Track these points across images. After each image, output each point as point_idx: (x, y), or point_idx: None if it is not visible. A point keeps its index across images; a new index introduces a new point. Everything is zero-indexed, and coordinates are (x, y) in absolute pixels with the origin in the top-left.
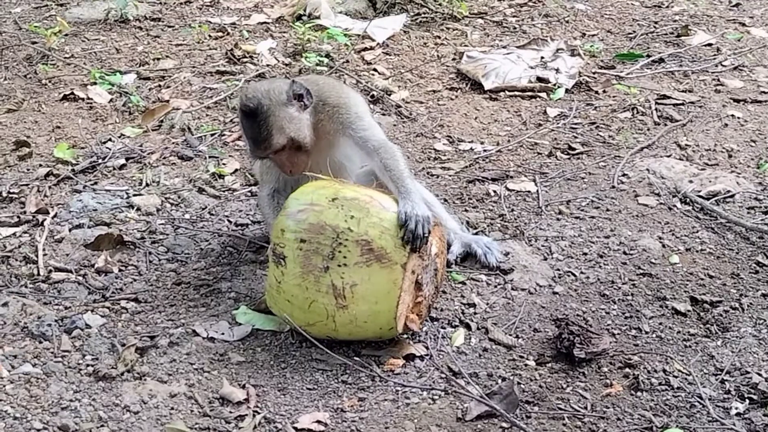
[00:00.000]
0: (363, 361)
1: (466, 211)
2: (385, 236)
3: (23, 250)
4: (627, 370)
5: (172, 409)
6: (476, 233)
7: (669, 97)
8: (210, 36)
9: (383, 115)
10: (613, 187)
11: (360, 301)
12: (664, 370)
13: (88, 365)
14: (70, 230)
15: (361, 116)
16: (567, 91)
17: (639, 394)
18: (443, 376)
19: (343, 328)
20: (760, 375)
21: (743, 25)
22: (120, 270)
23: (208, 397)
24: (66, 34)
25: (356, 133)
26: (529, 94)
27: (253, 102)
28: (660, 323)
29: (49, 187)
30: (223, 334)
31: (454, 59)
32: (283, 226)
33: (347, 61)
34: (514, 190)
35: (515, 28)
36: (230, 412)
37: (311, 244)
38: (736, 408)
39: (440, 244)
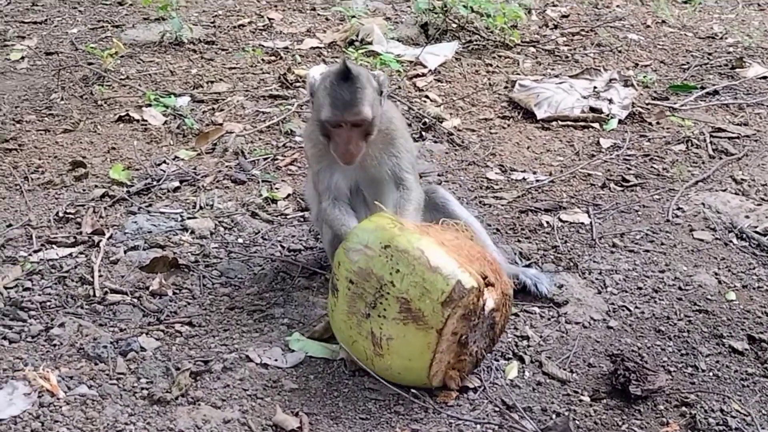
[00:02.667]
0: (416, 392)
1: (518, 241)
2: (424, 299)
3: (79, 270)
4: (684, 408)
5: None
6: (528, 265)
7: (724, 130)
8: (263, 60)
9: (435, 142)
10: (668, 220)
11: (395, 355)
12: (722, 410)
13: (142, 388)
14: (125, 252)
15: (405, 146)
16: (620, 121)
17: None
18: (497, 409)
19: (381, 372)
20: None
21: None
22: (174, 293)
23: (261, 423)
24: (122, 56)
25: (395, 158)
26: (582, 124)
27: (356, 69)
28: (717, 361)
29: (105, 208)
30: (276, 360)
31: (506, 87)
32: (340, 259)
33: (399, 88)
34: (567, 222)
35: (567, 57)
36: None
37: (357, 288)
38: None
39: (501, 298)
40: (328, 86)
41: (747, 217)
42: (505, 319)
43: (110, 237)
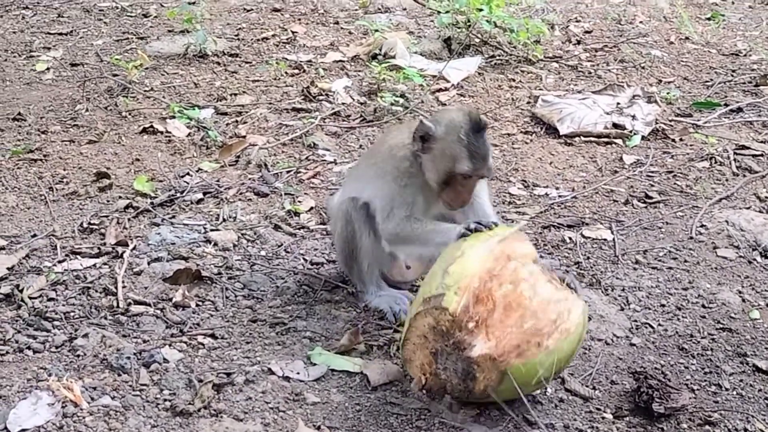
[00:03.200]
0: (438, 407)
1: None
2: (427, 285)
3: (103, 281)
4: (707, 427)
5: None
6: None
7: (748, 148)
8: (286, 73)
9: None
10: (691, 237)
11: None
12: (746, 429)
13: (165, 400)
14: (148, 263)
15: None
16: (643, 138)
17: None
18: (519, 426)
19: None
20: None
21: None
22: (197, 305)
23: None
24: (146, 68)
25: (479, 198)
26: (605, 140)
27: (485, 121)
28: (740, 380)
29: (129, 220)
30: (298, 373)
31: (528, 102)
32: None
33: (422, 102)
34: (590, 238)
35: (590, 73)
36: None
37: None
38: None
39: (491, 363)
40: (463, 138)
41: None
42: (487, 387)
43: (134, 248)
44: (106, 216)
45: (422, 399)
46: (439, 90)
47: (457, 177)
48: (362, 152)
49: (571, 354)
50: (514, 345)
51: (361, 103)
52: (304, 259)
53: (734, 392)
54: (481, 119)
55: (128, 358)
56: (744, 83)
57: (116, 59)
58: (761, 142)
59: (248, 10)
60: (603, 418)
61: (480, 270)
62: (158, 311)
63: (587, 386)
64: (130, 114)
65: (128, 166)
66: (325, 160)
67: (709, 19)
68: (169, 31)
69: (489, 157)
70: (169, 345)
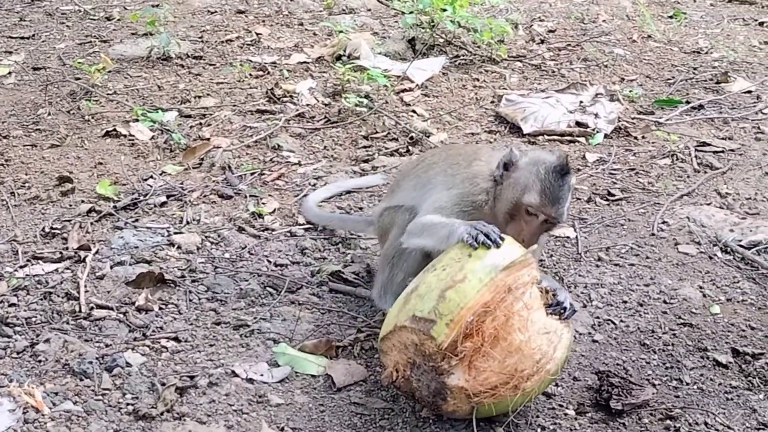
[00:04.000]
0: (402, 406)
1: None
2: (418, 298)
3: (65, 286)
4: (668, 422)
5: None
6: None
7: (709, 144)
8: (251, 75)
9: None
10: (653, 234)
11: None
12: (706, 423)
13: (128, 404)
14: (111, 267)
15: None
16: (606, 136)
17: None
18: (481, 423)
19: None
20: None
21: None
22: (160, 308)
23: None
24: (109, 71)
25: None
26: (568, 138)
27: (571, 168)
28: (701, 375)
29: (91, 224)
30: (262, 375)
31: (492, 102)
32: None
33: (386, 102)
34: (553, 236)
35: (554, 71)
36: None
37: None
38: None
39: (464, 398)
40: (542, 172)
41: (731, 230)
42: (454, 411)
43: (96, 252)
44: (69, 220)
45: (386, 399)
46: (404, 90)
47: (523, 210)
48: (433, 153)
49: (545, 387)
50: (491, 385)
51: (326, 104)
52: (268, 260)
53: (695, 386)
54: (567, 163)
55: (90, 362)
56: (705, 81)
57: (79, 63)
58: (722, 138)
59: (212, 12)
60: (565, 414)
61: (476, 302)
62: (121, 315)
63: (542, 390)
64: (92, 118)
65: (91, 170)
66: (289, 162)
67: (671, 17)
68: (133, 33)
69: (562, 202)
70: (132, 349)
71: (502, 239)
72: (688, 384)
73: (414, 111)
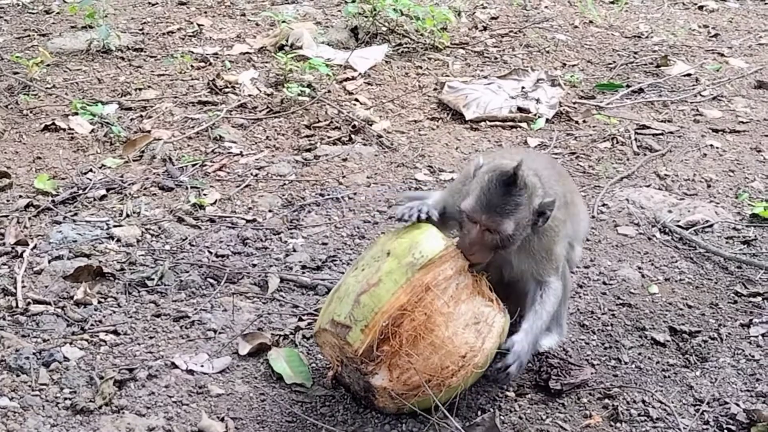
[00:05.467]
0: (342, 393)
1: None
2: (337, 302)
3: (1, 282)
4: (606, 401)
5: None
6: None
7: (648, 127)
8: (192, 66)
9: (364, 145)
10: (593, 217)
11: None
12: (644, 401)
13: (65, 399)
14: (49, 262)
15: (555, 260)
16: (547, 121)
17: (618, 425)
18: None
19: None
20: (738, 405)
21: (722, 55)
22: (99, 302)
23: (186, 430)
24: (48, 65)
25: (539, 269)
26: (510, 124)
27: (522, 182)
28: (639, 354)
29: (29, 219)
30: (202, 366)
31: (435, 89)
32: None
33: (329, 91)
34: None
35: (496, 58)
36: None
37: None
38: None
39: (392, 394)
40: (485, 180)
41: (670, 211)
42: (384, 408)
43: (34, 247)
44: (6, 216)
45: (326, 386)
46: (346, 79)
47: (464, 216)
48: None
49: (474, 380)
50: (414, 385)
51: (268, 95)
52: (209, 251)
53: (633, 365)
54: (515, 174)
55: (27, 358)
56: (645, 64)
57: (17, 57)
58: (661, 121)
59: (153, 4)
60: (506, 396)
61: (391, 306)
62: (59, 310)
63: (490, 366)
64: (31, 112)
65: (29, 164)
66: (231, 153)
67: (612, 2)
68: (72, 27)
69: (498, 211)
70: (70, 343)
71: (421, 219)
72: (626, 363)
73: (357, 100)
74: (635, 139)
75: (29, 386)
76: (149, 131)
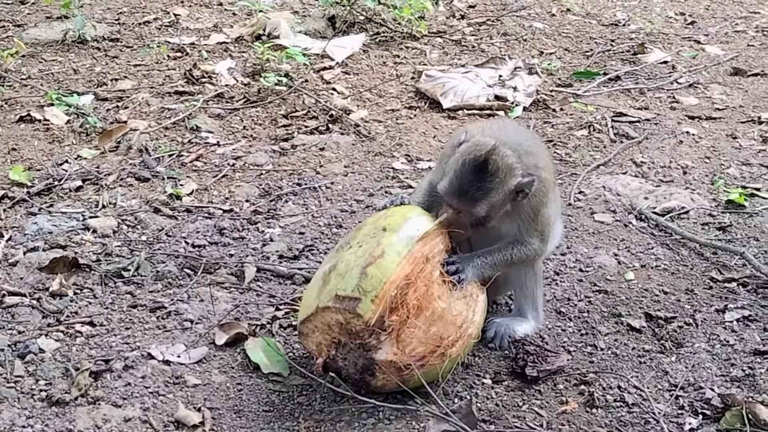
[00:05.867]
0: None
1: None
2: (338, 278)
3: None
4: (582, 387)
5: None
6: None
7: (625, 115)
8: (168, 56)
9: (342, 134)
10: (570, 204)
11: (308, 286)
12: (619, 387)
13: (41, 390)
14: (24, 253)
15: (541, 224)
16: (525, 109)
17: (594, 411)
18: (399, 395)
19: None
20: (713, 390)
21: (698, 42)
22: (75, 293)
23: (163, 420)
24: (23, 55)
25: (523, 230)
26: (488, 112)
27: (494, 167)
28: (615, 340)
29: (4, 210)
30: (179, 356)
31: (413, 78)
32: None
33: (306, 81)
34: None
35: (474, 46)
36: None
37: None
38: (690, 424)
39: (393, 369)
40: (459, 163)
41: (646, 198)
42: (384, 385)
43: (9, 239)
44: None
45: (304, 375)
46: (324, 69)
47: (441, 195)
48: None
49: (469, 351)
50: (419, 356)
51: (245, 84)
52: (186, 242)
53: (609, 351)
54: (486, 160)
55: (2, 350)
56: (623, 52)
57: None
58: (638, 108)
59: None
60: (483, 383)
61: (398, 276)
62: (34, 301)
63: (468, 354)
64: (6, 103)
65: (4, 156)
66: (208, 143)
67: None
68: (47, 17)
69: (469, 195)
70: (46, 335)
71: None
72: (602, 349)
73: (334, 89)
74: (612, 127)
75: (4, 378)
76: (125, 122)
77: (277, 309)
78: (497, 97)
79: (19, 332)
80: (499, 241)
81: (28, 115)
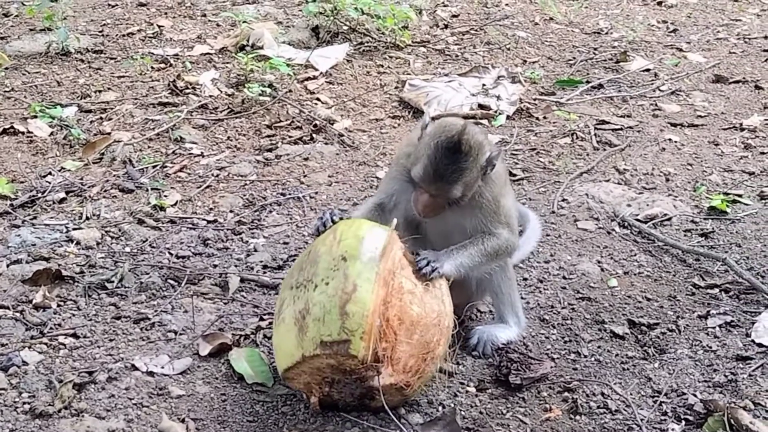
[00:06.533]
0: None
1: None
2: (317, 323)
3: None
4: (566, 394)
5: None
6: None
7: (608, 123)
8: (152, 68)
9: (326, 144)
10: (553, 212)
11: (277, 333)
12: (603, 394)
13: (24, 403)
14: (7, 266)
15: (505, 215)
16: (508, 117)
17: (578, 418)
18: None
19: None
20: (695, 396)
21: (680, 50)
22: (58, 305)
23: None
24: (6, 68)
25: (488, 221)
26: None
27: (467, 147)
28: (599, 347)
29: None
30: (163, 368)
31: (396, 87)
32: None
33: (290, 91)
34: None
35: (457, 55)
36: None
37: (301, 261)
38: (673, 430)
39: (395, 383)
40: (432, 147)
41: (629, 205)
42: (384, 405)
43: None
44: None
45: (287, 385)
46: (308, 78)
47: (415, 181)
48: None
49: (449, 342)
50: (413, 369)
51: (229, 95)
52: (169, 253)
53: (592, 358)
54: (459, 141)
55: None
56: (605, 60)
57: None
58: (621, 116)
59: (112, 6)
60: (467, 391)
61: (376, 304)
62: (17, 314)
63: (451, 362)
64: None
65: None
66: (192, 154)
67: None
68: (31, 29)
69: (445, 179)
70: (29, 347)
71: (334, 221)
72: (586, 356)
73: (318, 99)
74: (595, 135)
75: None
76: (109, 133)
77: (261, 319)
78: (481, 106)
79: (2, 345)
80: (465, 239)
81: (12, 127)
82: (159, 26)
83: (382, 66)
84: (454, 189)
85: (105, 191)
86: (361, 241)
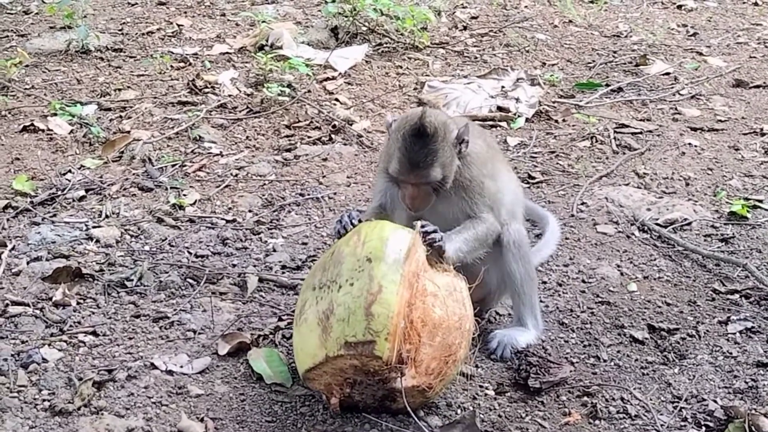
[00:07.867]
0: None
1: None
2: (341, 324)
3: None
4: (585, 398)
5: None
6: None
7: (627, 126)
8: (172, 66)
9: (345, 144)
10: (572, 215)
11: (300, 333)
12: (622, 398)
13: (44, 400)
14: (27, 263)
15: (489, 197)
16: (527, 120)
17: (597, 422)
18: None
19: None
20: (715, 402)
21: (700, 54)
22: (78, 303)
23: (165, 430)
24: (26, 65)
25: (473, 204)
26: (490, 123)
27: (432, 128)
28: (618, 351)
29: (8, 220)
30: (182, 366)
31: (415, 89)
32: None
33: (309, 91)
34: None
35: (476, 57)
36: None
37: (325, 262)
38: None
39: (417, 386)
40: (400, 139)
41: (648, 209)
42: (406, 406)
43: (13, 248)
44: None
45: (306, 386)
46: (326, 79)
47: (395, 177)
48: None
49: (469, 345)
50: (435, 371)
51: (248, 95)
52: (188, 252)
53: (612, 363)
54: (422, 125)
55: (5, 359)
56: (625, 63)
57: None
58: (640, 120)
59: (132, 5)
60: (486, 394)
61: (401, 306)
62: (38, 311)
63: (469, 364)
64: (9, 113)
65: (8, 165)
66: (211, 153)
67: (591, 2)
68: (51, 27)
69: (422, 165)
70: (49, 344)
71: (353, 224)
72: (605, 361)
73: (337, 99)
74: (614, 138)
75: (7, 388)
76: (128, 132)
77: (280, 319)
78: (500, 108)
79: (23, 342)
80: (454, 225)
81: (32, 124)
82: (178, 25)
83: (401, 67)
84: (433, 171)
85: (124, 189)
86: (385, 242)
